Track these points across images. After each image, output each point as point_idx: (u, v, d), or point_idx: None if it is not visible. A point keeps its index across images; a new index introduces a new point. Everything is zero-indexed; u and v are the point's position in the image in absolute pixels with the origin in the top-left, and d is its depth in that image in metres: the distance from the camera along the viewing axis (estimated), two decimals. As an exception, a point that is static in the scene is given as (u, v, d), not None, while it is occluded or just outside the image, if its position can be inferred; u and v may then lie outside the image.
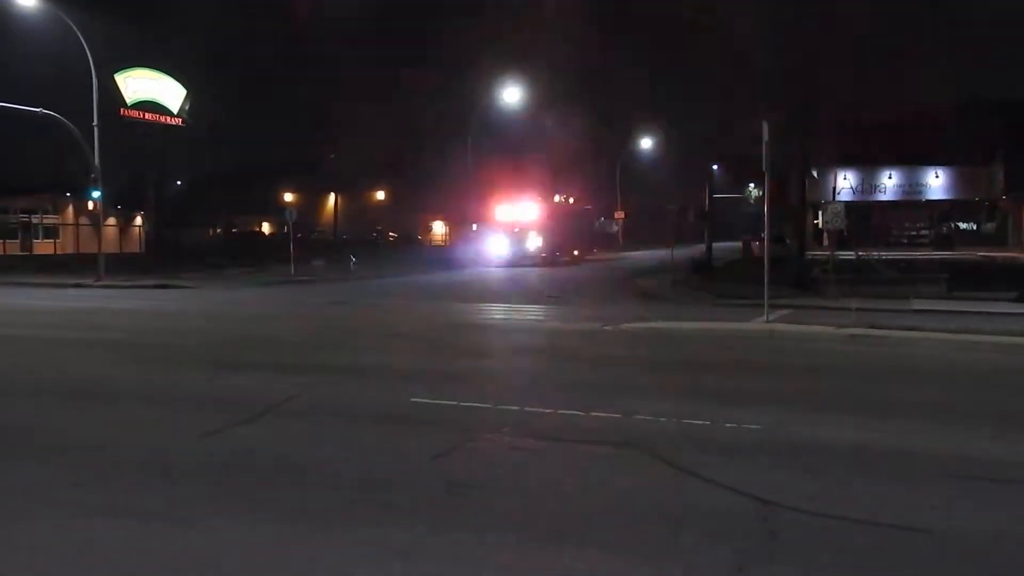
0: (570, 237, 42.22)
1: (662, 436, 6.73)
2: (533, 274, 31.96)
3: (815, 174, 33.15)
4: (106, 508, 5.08)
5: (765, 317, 14.97)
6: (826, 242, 23.01)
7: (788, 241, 31.28)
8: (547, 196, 44.32)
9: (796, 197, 26.52)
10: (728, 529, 4.74)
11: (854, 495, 5.36)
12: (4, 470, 5.95)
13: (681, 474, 5.73)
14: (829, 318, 14.97)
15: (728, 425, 7.10)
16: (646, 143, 65.93)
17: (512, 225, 39.07)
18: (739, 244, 49.00)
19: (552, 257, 38.60)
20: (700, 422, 7.19)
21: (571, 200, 52.29)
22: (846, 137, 38.98)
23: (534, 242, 38.76)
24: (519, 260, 37.22)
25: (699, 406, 7.83)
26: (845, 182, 47.98)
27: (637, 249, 58.52)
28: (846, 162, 45.38)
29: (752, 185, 73.53)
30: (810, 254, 26.68)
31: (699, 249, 37.72)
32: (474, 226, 42.01)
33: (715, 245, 36.75)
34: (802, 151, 25.66)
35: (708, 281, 26.21)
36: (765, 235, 16.69)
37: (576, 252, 41.80)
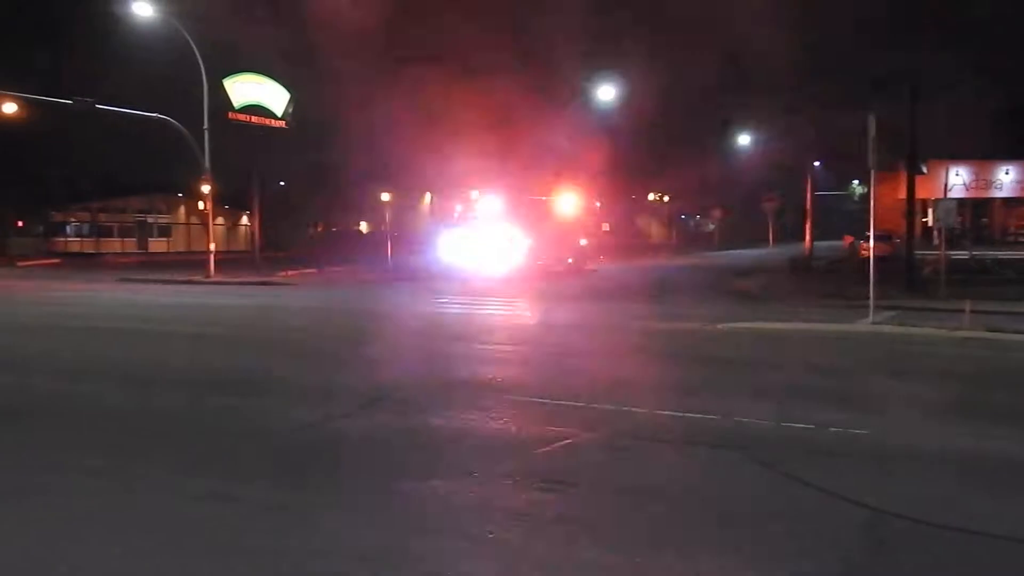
0: (564, 243, 32.28)
1: (762, 439, 6.57)
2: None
3: (925, 169, 31.71)
4: (211, 493, 5.31)
5: (871, 318, 14.43)
6: (936, 241, 21.99)
7: (895, 240, 30.07)
8: (538, 192, 34.90)
9: (904, 194, 25.43)
10: (833, 536, 4.60)
11: (967, 504, 5.12)
12: (115, 454, 6.29)
13: (783, 478, 5.58)
14: (940, 320, 14.31)
15: (833, 430, 6.87)
16: (744, 139, 64.47)
17: (473, 227, 30.24)
18: (842, 243, 47.42)
19: (530, 268, 29.11)
20: (803, 425, 6.98)
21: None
22: (959, 130, 37.16)
23: (501, 249, 29.05)
24: (476, 272, 27.98)
25: (801, 409, 7.62)
26: (957, 178, 45.64)
27: (733, 248, 57.36)
28: (958, 156, 43.24)
29: (856, 182, 71.04)
30: (919, 253, 25.51)
31: (799, 248, 36.73)
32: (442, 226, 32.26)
33: (816, 244, 35.73)
34: (911, 146, 24.56)
35: (809, 281, 25.47)
36: (871, 233, 16.11)
37: (571, 261, 32.07)
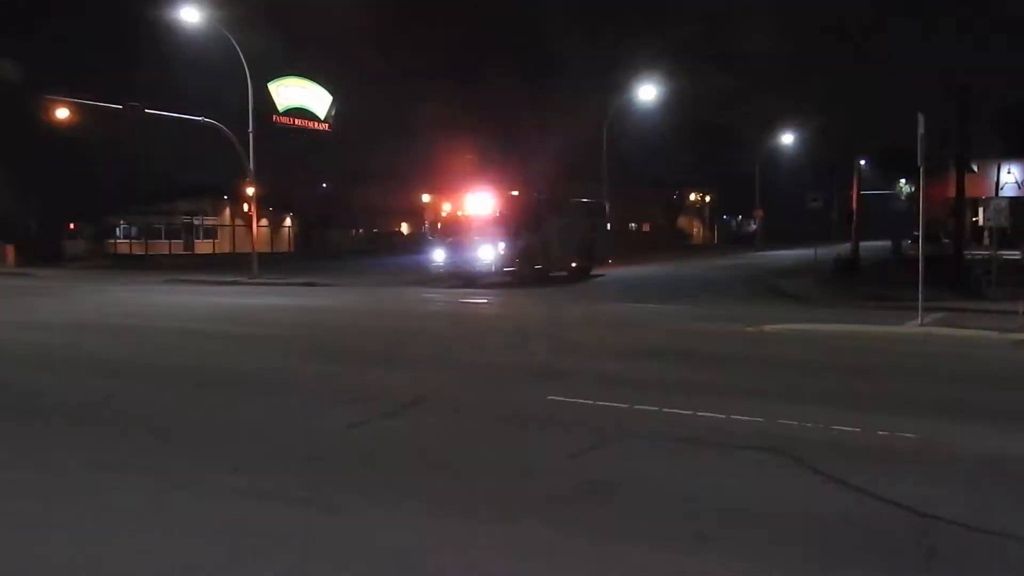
0: (566, 245, 29.02)
1: (809, 442, 6.47)
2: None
3: (975, 168, 30.98)
4: (261, 492, 5.38)
5: (919, 320, 14.15)
6: (987, 241, 21.50)
7: (945, 240, 29.45)
8: (534, 188, 31.52)
9: (954, 193, 24.90)
10: (881, 542, 4.52)
11: (1021, 511, 4.99)
12: (167, 454, 6.40)
13: (829, 482, 5.49)
14: (992, 322, 13.99)
15: (881, 433, 6.75)
16: (787, 137, 63.64)
17: (462, 226, 26.83)
18: (889, 243, 46.52)
19: (525, 271, 26.32)
20: (850, 428, 6.86)
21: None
22: (1011, 126, 36.19)
23: (491, 251, 25.76)
24: (468, 276, 26.38)
25: (848, 412, 7.48)
26: (1009, 176, 44.48)
27: (777, 248, 56.61)
28: (1010, 154, 42.11)
29: (903, 180, 69.61)
30: (969, 254, 24.96)
31: (844, 248, 36.17)
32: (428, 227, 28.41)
33: (862, 244, 35.13)
34: (961, 143, 24.04)
35: (855, 282, 25.05)
36: (919, 233, 15.81)
37: (575, 264, 29.47)
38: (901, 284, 19.22)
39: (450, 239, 26.78)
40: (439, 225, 28.60)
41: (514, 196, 28.40)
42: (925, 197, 16.25)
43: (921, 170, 14.81)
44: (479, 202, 27.16)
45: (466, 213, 27.22)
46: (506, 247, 25.81)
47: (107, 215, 53.92)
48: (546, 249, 27.68)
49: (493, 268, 25.85)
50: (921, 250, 15.38)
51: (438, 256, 26.97)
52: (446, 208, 28.28)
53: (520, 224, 26.56)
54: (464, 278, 26.40)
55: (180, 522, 4.89)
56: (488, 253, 25.76)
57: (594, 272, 30.57)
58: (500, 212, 26.62)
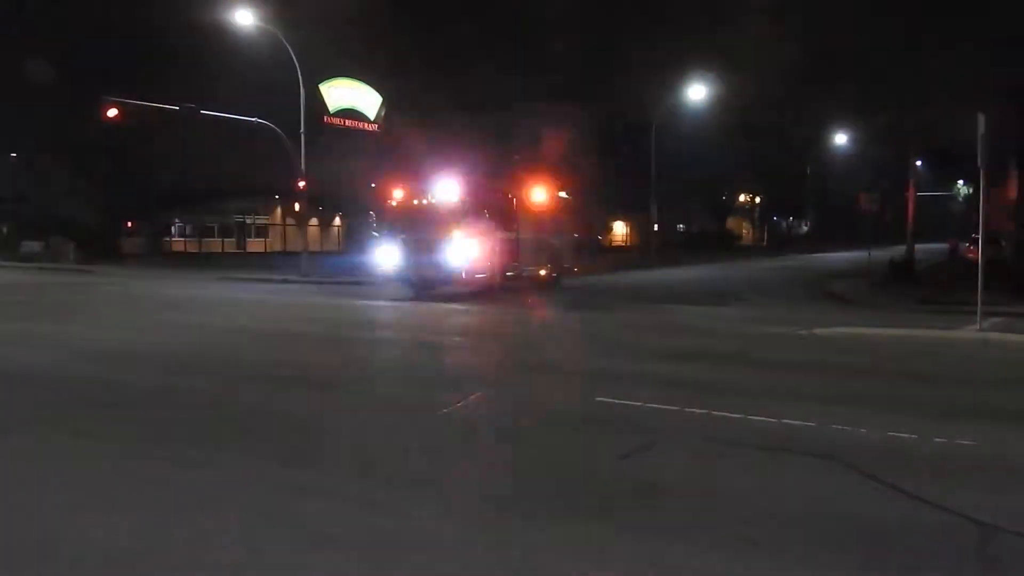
0: (541, 249, 24.58)
1: (863, 448, 6.36)
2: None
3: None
4: (311, 487, 5.45)
5: (978, 325, 13.80)
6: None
7: (1004, 243, 28.66)
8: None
9: (1014, 194, 24.23)
10: (941, 551, 4.42)
11: (1089, 524, 4.84)
12: (216, 450, 6.49)
13: (885, 489, 5.40)
14: (1054, 328, 13.57)
15: (938, 440, 6.60)
16: (839, 137, 62.46)
17: (422, 220, 21.91)
18: (945, 246, 45.49)
19: (496, 277, 22.21)
20: (906, 435, 6.73)
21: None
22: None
23: (460, 252, 21.13)
24: (428, 284, 21.69)
25: (904, 417, 7.34)
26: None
27: (828, 250, 55.67)
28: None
29: (961, 182, 67.90)
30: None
31: (899, 251, 35.42)
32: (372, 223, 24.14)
33: (917, 247, 34.38)
34: (1021, 142, 23.37)
35: (910, 285, 24.54)
36: (979, 236, 15.43)
37: (544, 272, 24.62)
38: (958, 288, 18.80)
39: (405, 236, 21.89)
40: (390, 217, 22.93)
41: (493, 196, 23.43)
42: (984, 199, 15.84)
43: (982, 171, 14.44)
44: (446, 192, 22.08)
45: (429, 204, 22.26)
46: (478, 248, 21.38)
47: (163, 214, 55.19)
48: (519, 253, 23.52)
49: (463, 274, 21.24)
50: (980, 253, 15.02)
51: (389, 258, 22.21)
52: (401, 196, 22.89)
53: (495, 223, 22.34)
54: (417, 285, 21.75)
55: (224, 517, 4.95)
56: (456, 255, 21.11)
57: (565, 281, 25.99)
58: (473, 206, 21.86)
